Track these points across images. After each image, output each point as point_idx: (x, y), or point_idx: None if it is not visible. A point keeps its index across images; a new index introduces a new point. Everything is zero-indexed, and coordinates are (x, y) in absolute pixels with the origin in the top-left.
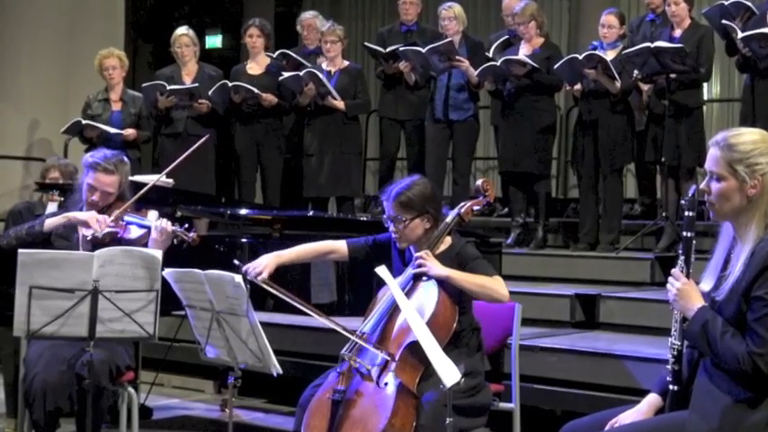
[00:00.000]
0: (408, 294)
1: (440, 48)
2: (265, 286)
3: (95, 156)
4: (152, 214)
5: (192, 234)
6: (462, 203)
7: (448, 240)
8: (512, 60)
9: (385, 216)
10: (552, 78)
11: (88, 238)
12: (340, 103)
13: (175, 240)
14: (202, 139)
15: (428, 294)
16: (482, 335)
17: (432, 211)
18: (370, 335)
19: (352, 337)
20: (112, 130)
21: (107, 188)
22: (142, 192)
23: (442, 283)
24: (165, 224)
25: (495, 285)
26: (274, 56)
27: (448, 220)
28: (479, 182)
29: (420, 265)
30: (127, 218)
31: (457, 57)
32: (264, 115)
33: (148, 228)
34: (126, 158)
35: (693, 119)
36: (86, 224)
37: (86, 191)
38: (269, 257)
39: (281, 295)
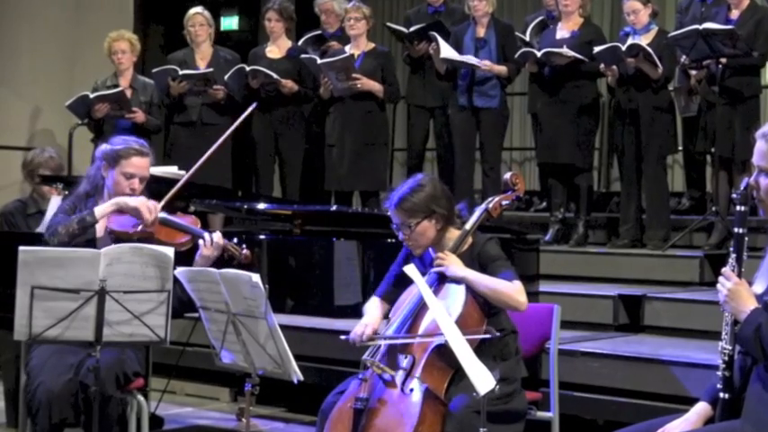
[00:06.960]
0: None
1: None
2: (375, 341)
3: (118, 142)
4: (189, 219)
5: (244, 251)
6: (490, 198)
7: (470, 239)
8: (553, 53)
9: (393, 225)
10: (593, 65)
11: (109, 232)
12: (377, 85)
13: (225, 255)
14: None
15: (455, 297)
16: (519, 339)
17: (440, 210)
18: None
19: (379, 341)
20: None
21: (146, 172)
22: (175, 189)
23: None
24: (218, 237)
25: (510, 291)
26: (299, 44)
27: (474, 217)
28: (508, 175)
29: (439, 265)
30: (170, 219)
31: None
32: (284, 102)
33: (192, 234)
34: None
35: (749, 108)
36: (137, 212)
37: (123, 182)
38: (369, 319)
39: (391, 342)
